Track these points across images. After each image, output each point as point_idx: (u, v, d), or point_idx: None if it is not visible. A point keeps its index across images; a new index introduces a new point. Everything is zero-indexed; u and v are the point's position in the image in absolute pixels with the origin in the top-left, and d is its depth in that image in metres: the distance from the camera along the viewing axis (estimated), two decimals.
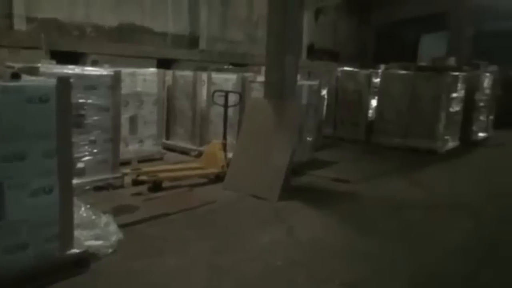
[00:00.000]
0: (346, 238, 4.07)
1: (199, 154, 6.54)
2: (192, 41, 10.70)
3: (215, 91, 6.31)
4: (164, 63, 8.94)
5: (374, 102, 9.19)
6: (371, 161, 7.63)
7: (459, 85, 8.72)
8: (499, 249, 4.01)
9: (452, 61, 9.16)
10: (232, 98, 6.16)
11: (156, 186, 5.13)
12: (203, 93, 7.13)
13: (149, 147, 6.60)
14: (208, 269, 3.26)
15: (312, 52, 14.49)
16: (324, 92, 7.82)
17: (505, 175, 7.11)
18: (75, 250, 3.05)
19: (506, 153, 9.32)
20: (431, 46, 19.03)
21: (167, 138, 7.60)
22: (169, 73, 7.66)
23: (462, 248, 3.96)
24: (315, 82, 7.13)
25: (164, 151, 6.95)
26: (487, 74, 10.27)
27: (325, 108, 8.21)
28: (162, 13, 10.02)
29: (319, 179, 6.06)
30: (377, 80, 9.15)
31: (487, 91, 10.02)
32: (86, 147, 4.88)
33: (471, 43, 19.24)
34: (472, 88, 9.35)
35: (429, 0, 15.61)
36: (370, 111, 9.23)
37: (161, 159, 6.68)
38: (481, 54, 17.71)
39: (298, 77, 6.02)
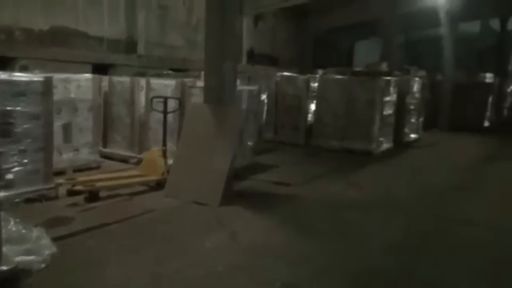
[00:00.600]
0: (287, 240, 4.14)
1: (139, 162, 6.38)
2: (130, 46, 10.45)
3: (153, 97, 6.20)
4: (100, 69, 8.67)
5: (313, 106, 9.44)
6: (311, 163, 7.82)
7: (391, 89, 9.18)
8: (430, 244, 4.25)
9: (384, 66, 9.62)
10: (172, 104, 6.09)
11: (93, 196, 4.94)
12: (142, 99, 6.99)
13: (85, 155, 6.36)
14: (150, 279, 3.20)
15: (252, 57, 14.66)
16: (264, 96, 7.93)
17: (434, 173, 7.54)
18: (3, 268, 2.87)
19: (435, 153, 9.92)
20: (365, 52, 19.93)
21: (105, 146, 7.36)
22: (105, 79, 7.44)
23: (396, 245, 4.15)
24: (254, 87, 7.21)
25: (101, 159, 6.72)
26: (417, 79, 10.88)
27: (265, 112, 8.32)
28: (97, 17, 9.71)
29: (260, 183, 6.12)
30: (315, 85, 9.41)
31: (417, 95, 10.62)
32: (16, 157, 4.62)
33: (402, 49, 20.36)
34: (403, 92, 9.86)
35: (362, 9, 16.30)
36: (309, 115, 9.47)
37: (98, 167, 6.45)
38: (411, 60, 18.81)
39: (238, 82, 6.06)
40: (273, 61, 15.80)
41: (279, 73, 10.03)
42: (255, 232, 4.29)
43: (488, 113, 14.67)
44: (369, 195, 5.90)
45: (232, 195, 5.23)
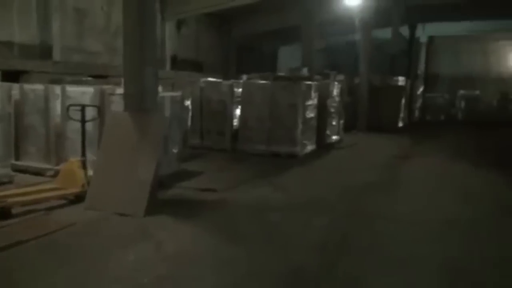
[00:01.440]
0: (214, 247, 4.12)
1: (56, 174, 6.03)
2: (45, 52, 9.85)
3: (70, 105, 5.89)
4: (11, 76, 8.07)
5: (238, 111, 9.51)
6: (237, 168, 7.87)
7: (313, 93, 9.50)
8: (351, 241, 4.45)
9: (305, 71, 9.94)
10: (90, 112, 5.83)
11: (4, 213, 4.59)
12: (57, 107, 6.61)
13: None
14: None
15: (176, 63, 14.47)
16: (188, 103, 7.87)
17: (355, 173, 7.91)
18: None
19: (355, 153, 10.43)
20: (289, 57, 20.50)
21: (17, 158, 6.87)
22: (16, 87, 6.95)
23: (320, 243, 4.30)
24: (178, 93, 7.12)
25: (13, 173, 6.27)
26: (336, 83, 11.37)
27: (190, 119, 8.24)
28: (6, 21, 9.05)
29: (186, 191, 6.05)
30: (239, 90, 9.50)
31: (337, 98, 11.08)
32: None
33: (322, 54, 21.18)
34: (323, 96, 10.25)
35: (283, 16, 16.76)
36: (235, 120, 9.53)
37: (10, 182, 6.01)
38: (331, 65, 19.62)
39: (160, 88, 5.95)
40: (198, 67, 15.72)
41: (204, 79, 10.00)
42: (182, 241, 4.24)
43: (401, 114, 15.70)
44: (294, 197, 6.06)
45: (158, 204, 5.11)
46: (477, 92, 21.85)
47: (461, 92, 21.91)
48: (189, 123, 8.15)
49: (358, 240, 4.48)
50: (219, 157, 8.72)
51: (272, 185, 6.66)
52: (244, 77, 11.33)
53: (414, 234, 4.61)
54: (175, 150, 6.73)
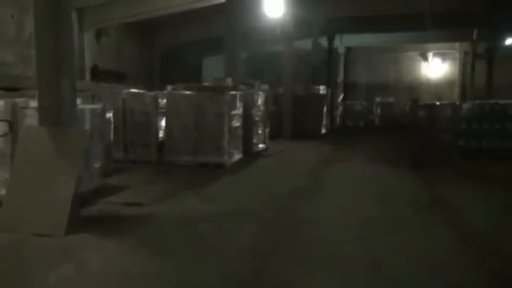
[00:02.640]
0: (142, 262, 4.00)
1: None
2: None
3: None
4: None
5: (163, 122, 9.35)
6: (164, 181, 7.71)
7: (238, 103, 9.60)
8: (278, 247, 4.53)
9: (229, 81, 10.02)
10: (1, 127, 5.43)
11: None
12: None
13: None
14: None
15: (96, 74, 13.93)
16: (109, 115, 7.59)
17: (281, 179, 8.08)
18: None
19: (281, 160, 10.67)
20: (214, 67, 20.55)
21: None
22: None
23: (250, 251, 4.34)
24: (99, 105, 6.86)
25: None
26: (260, 92, 11.59)
27: (112, 131, 7.95)
28: None
29: (111, 206, 5.82)
30: (164, 101, 9.35)
31: (262, 107, 11.30)
32: None
33: (246, 64, 21.52)
34: (249, 105, 10.41)
35: (206, 26, 16.83)
36: (160, 132, 9.36)
37: None
38: (255, 74, 19.98)
39: (79, 100, 5.69)
40: (120, 78, 15.25)
41: (126, 90, 9.71)
42: (107, 259, 4.06)
43: (324, 121, 16.36)
44: (222, 207, 6.04)
45: (80, 222, 4.87)
46: (391, 99, 23.40)
47: (377, 99, 23.32)
48: (111, 136, 7.85)
49: (286, 245, 4.57)
50: (145, 170, 8.49)
51: (200, 196, 6.61)
52: (169, 87, 11.17)
53: (338, 236, 4.79)
54: (97, 165, 6.45)
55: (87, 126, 6.05)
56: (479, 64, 21.83)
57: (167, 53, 18.82)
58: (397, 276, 3.74)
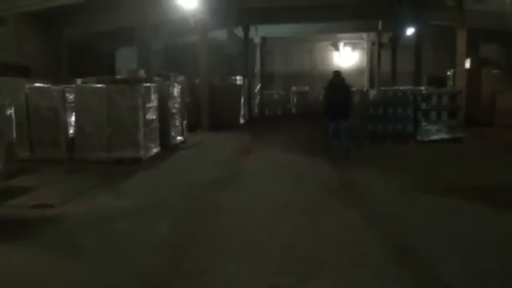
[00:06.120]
0: (51, 267, 3.81)
1: None
2: None
3: None
4: None
5: (73, 118, 8.88)
6: (77, 179, 7.36)
7: (152, 95, 9.37)
8: (197, 236, 4.55)
9: (142, 73, 9.75)
10: None
11: None
12: None
13: None
14: None
15: None
16: (10, 111, 7.03)
17: (199, 171, 8.06)
18: None
19: (200, 151, 10.64)
20: (128, 59, 19.79)
21: None
22: None
23: (167, 243, 4.32)
24: None
25: None
26: (176, 84, 11.41)
27: (14, 129, 7.38)
28: None
29: (16, 209, 5.47)
30: (73, 95, 8.86)
31: (178, 99, 11.13)
32: None
33: (161, 55, 21.02)
34: (164, 97, 10.20)
35: (118, 15, 16.13)
36: (70, 128, 8.88)
37: None
38: (172, 65, 19.62)
39: None
40: (23, 71, 14.13)
41: (29, 85, 9.06)
42: (15, 265, 3.82)
43: (242, 111, 16.53)
44: (139, 202, 5.91)
45: None
46: (306, 88, 24.21)
47: (294, 88, 24.01)
48: (14, 134, 7.28)
49: (203, 235, 4.61)
50: (55, 169, 8.00)
51: (115, 193, 6.41)
52: (78, 81, 10.63)
53: (254, 222, 4.92)
54: None
55: None
56: (385, 53, 23.28)
57: (77, 44, 17.75)
58: (308, 257, 3.93)
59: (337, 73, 9.24)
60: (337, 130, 8.88)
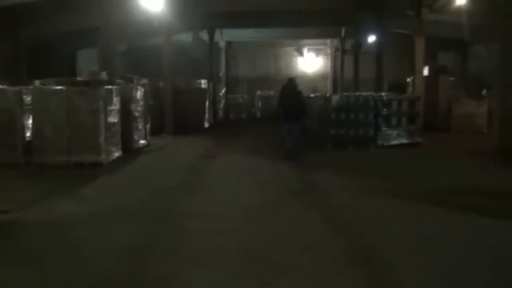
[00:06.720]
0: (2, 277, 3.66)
1: None
2: None
3: None
4: None
5: (31, 120, 8.58)
6: (34, 184, 7.08)
7: (114, 98, 9.17)
8: (159, 242, 4.49)
9: (104, 75, 9.54)
10: None
11: None
12: None
13: None
14: None
15: None
16: None
17: (162, 176, 7.96)
18: None
19: (163, 156, 10.53)
20: (89, 61, 19.33)
21: None
22: None
23: (128, 250, 4.23)
24: None
25: None
26: (139, 87, 11.24)
27: None
28: None
29: None
30: (31, 97, 8.57)
31: (141, 102, 10.96)
32: None
33: (124, 57, 20.65)
34: (127, 100, 10.02)
35: (80, 15, 15.75)
36: (28, 131, 8.58)
37: None
38: (135, 68, 19.31)
39: None
40: None
41: None
42: None
43: (206, 115, 16.48)
44: (99, 208, 5.77)
45: None
46: (271, 92, 24.38)
47: (258, 92, 24.14)
48: None
49: (166, 240, 4.54)
50: (10, 173, 7.68)
51: (75, 198, 6.25)
52: (37, 82, 10.28)
53: (217, 227, 4.90)
54: None
55: None
56: (348, 59, 23.78)
57: (36, 44, 17.18)
58: (271, 261, 3.94)
59: (291, 80, 9.93)
60: (289, 132, 9.41)
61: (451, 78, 16.83)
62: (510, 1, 9.56)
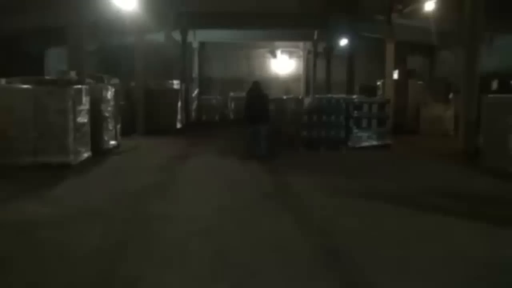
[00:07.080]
0: None
1: None
2: None
3: None
4: None
5: None
6: None
7: (84, 98, 8.98)
8: (129, 244, 4.41)
9: (73, 74, 9.35)
10: None
11: None
12: None
13: None
14: None
15: None
16: None
17: (133, 177, 7.85)
18: None
19: (134, 157, 10.38)
20: (58, 60, 18.88)
21: None
22: None
23: (96, 252, 4.13)
24: None
25: None
26: (110, 87, 11.05)
27: None
28: None
29: None
30: None
31: (112, 102, 10.77)
32: None
33: (95, 57, 20.25)
34: (97, 100, 9.83)
35: (48, 13, 15.36)
36: None
37: None
38: (106, 67, 18.99)
39: None
40: None
41: None
42: None
43: (179, 116, 16.33)
44: (67, 209, 5.63)
45: None
46: (244, 94, 24.35)
47: (231, 94, 24.09)
48: None
49: (135, 242, 4.48)
50: None
51: (42, 200, 6.07)
52: (3, 81, 9.97)
53: (188, 228, 4.86)
54: None
55: None
56: (320, 62, 24.03)
57: (2, 42, 16.68)
58: (242, 262, 3.94)
59: (256, 84, 10.31)
60: (255, 135, 9.72)
61: (420, 82, 17.25)
62: (474, 8, 9.89)
